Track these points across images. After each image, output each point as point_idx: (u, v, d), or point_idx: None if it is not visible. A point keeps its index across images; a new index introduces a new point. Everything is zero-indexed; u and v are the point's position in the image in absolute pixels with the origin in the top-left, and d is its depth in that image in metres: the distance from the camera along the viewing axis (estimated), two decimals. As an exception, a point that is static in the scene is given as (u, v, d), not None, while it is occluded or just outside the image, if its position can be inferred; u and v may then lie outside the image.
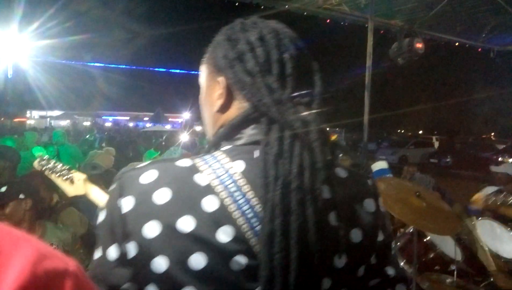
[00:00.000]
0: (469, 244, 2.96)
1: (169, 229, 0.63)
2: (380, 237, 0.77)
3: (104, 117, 32.80)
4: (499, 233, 2.95)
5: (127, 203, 0.65)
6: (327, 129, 0.72)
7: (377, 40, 3.43)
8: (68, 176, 1.29)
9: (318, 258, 0.65)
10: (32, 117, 32.43)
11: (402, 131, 33.36)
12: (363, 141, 3.32)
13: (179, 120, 27.25)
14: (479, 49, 5.75)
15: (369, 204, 0.76)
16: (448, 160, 17.57)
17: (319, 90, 0.74)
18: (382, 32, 4.98)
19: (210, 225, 0.64)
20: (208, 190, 0.66)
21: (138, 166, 0.71)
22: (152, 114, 30.89)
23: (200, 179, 0.67)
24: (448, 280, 2.57)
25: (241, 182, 0.67)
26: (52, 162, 1.30)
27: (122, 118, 34.15)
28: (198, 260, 0.63)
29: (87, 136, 11.04)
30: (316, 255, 0.64)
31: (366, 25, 4.39)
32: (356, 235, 0.72)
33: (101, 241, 0.68)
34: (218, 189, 0.66)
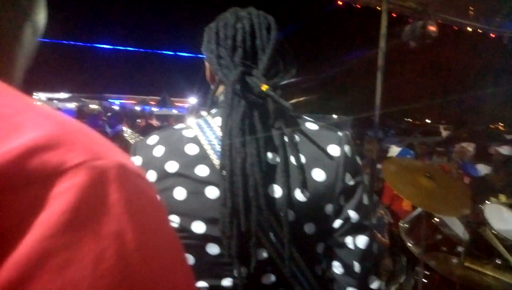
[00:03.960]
0: (476, 227, 2.98)
1: (161, 173, 0.82)
2: (349, 181, 0.85)
3: (110, 100, 32.75)
4: (506, 217, 2.97)
5: (137, 160, 0.86)
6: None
7: (389, 24, 3.38)
8: None
9: (282, 191, 0.78)
10: (39, 99, 32.49)
11: (410, 119, 33.06)
12: (375, 124, 3.27)
13: (185, 105, 27.17)
14: (492, 35, 5.65)
15: (333, 149, 0.85)
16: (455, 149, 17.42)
17: (264, 65, 0.85)
18: (394, 15, 4.91)
19: (190, 165, 0.82)
20: (192, 140, 0.84)
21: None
22: (158, 98, 30.81)
23: (187, 133, 0.86)
24: (455, 261, 2.60)
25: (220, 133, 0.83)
26: (136, 135, 1.64)
27: (129, 102, 34.09)
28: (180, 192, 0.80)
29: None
30: (283, 189, 0.78)
31: (380, 8, 4.34)
32: (318, 174, 0.82)
33: None
34: (200, 139, 0.84)
